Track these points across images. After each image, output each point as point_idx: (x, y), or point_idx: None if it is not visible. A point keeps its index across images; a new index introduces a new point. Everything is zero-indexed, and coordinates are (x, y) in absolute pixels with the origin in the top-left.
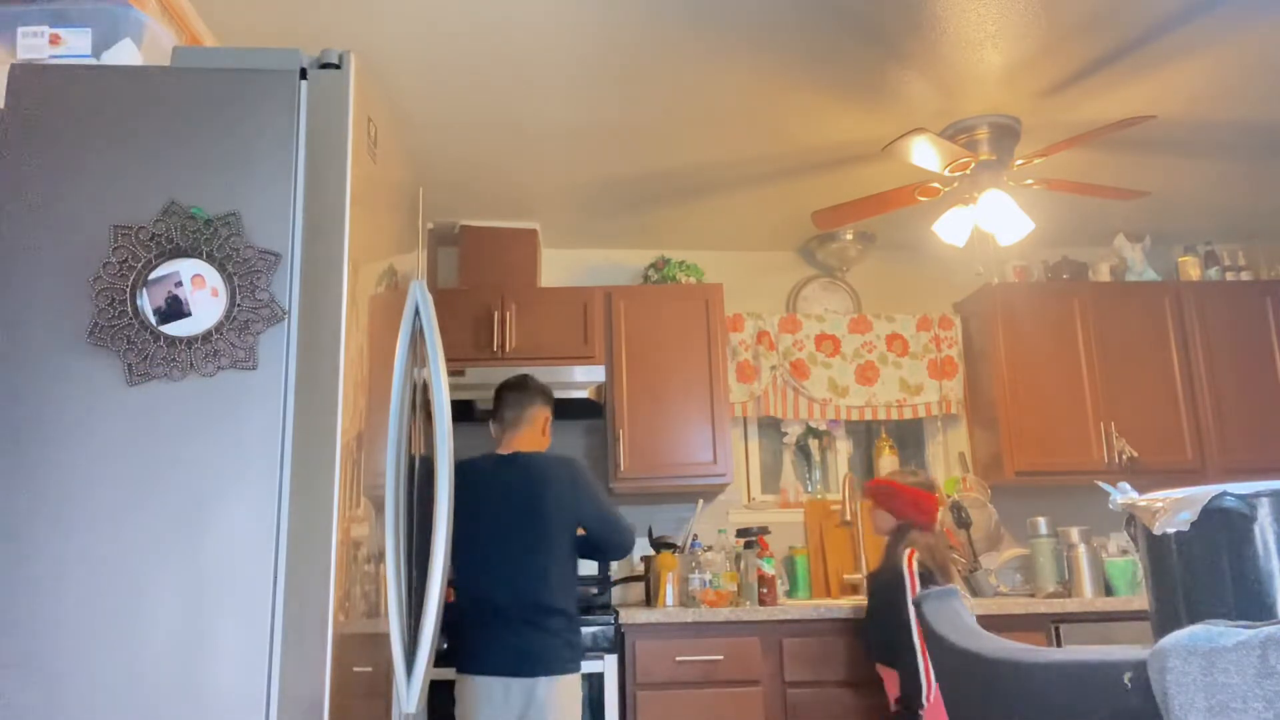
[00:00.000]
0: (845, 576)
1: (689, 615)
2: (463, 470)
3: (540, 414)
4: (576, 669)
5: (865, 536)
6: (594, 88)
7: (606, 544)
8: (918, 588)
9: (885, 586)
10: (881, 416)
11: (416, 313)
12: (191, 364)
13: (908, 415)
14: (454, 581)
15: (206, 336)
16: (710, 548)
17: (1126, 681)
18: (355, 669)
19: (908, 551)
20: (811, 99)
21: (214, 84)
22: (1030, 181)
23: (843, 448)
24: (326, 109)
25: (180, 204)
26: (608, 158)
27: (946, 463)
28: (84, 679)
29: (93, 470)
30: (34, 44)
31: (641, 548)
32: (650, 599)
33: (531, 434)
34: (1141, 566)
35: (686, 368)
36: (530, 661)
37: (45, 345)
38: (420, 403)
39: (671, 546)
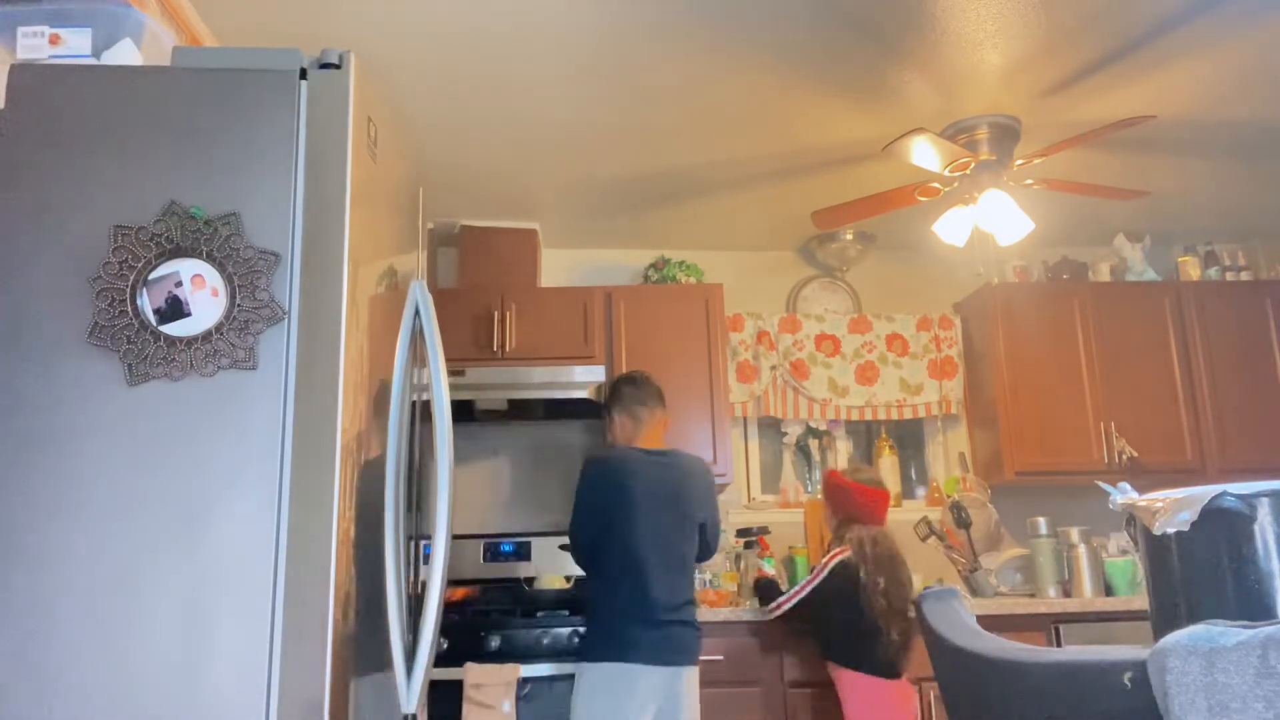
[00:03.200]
0: None
1: None
2: (618, 462)
3: (665, 417)
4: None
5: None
6: (594, 88)
7: (708, 548)
8: (810, 585)
9: (830, 587)
10: (881, 416)
11: (416, 313)
12: (191, 364)
13: (908, 415)
14: (605, 569)
15: (206, 336)
16: None
17: (1126, 681)
18: (355, 669)
19: (834, 550)
20: (811, 99)
21: (214, 84)
22: (1030, 181)
23: (843, 448)
24: (326, 109)
25: (180, 204)
26: (608, 158)
27: (946, 463)
28: (84, 679)
29: (93, 470)
30: (34, 44)
31: None
32: None
33: (659, 431)
34: (1141, 566)
35: (686, 368)
36: (679, 651)
37: (45, 345)
38: (420, 402)
39: None
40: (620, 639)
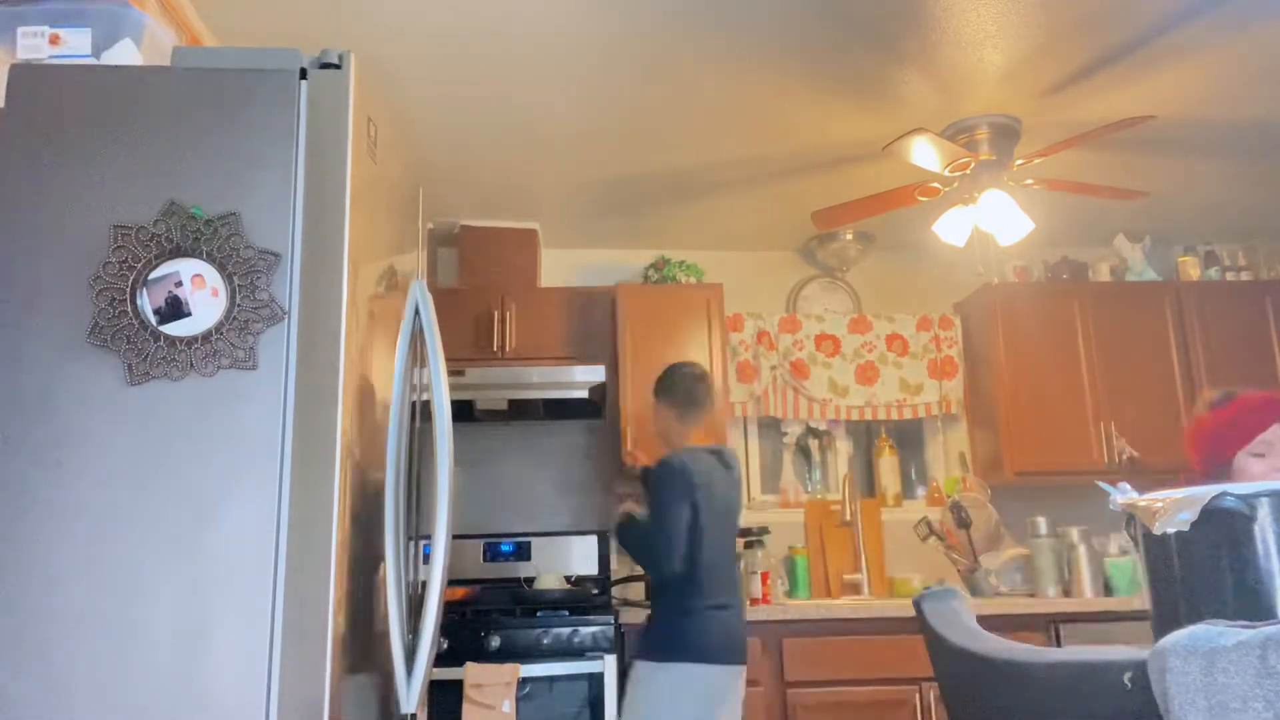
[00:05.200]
0: (845, 577)
1: None
2: (694, 463)
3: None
4: None
5: (864, 536)
6: (594, 88)
7: None
8: None
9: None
10: (881, 416)
11: (416, 313)
12: (191, 364)
13: (908, 415)
14: (692, 570)
15: (206, 336)
16: None
17: (1126, 681)
18: (355, 669)
19: None
20: (811, 99)
21: (214, 84)
22: (1030, 181)
23: (843, 448)
24: (326, 109)
25: (180, 204)
26: (608, 158)
27: (946, 463)
28: (83, 679)
29: (92, 470)
30: (34, 44)
31: None
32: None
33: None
34: (1141, 566)
35: None
36: (744, 649)
37: (45, 345)
38: (420, 402)
39: None
40: (707, 640)
